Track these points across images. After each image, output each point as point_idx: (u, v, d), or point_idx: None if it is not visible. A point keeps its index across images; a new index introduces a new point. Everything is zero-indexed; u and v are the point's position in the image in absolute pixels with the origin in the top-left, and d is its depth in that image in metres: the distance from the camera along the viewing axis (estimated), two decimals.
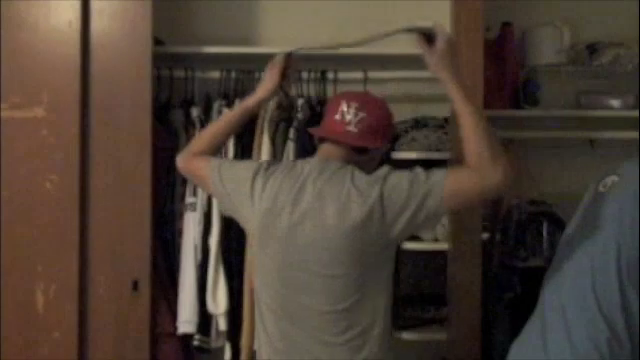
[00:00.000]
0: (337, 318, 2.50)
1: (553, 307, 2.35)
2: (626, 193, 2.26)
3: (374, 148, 2.68)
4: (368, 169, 2.61)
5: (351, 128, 2.62)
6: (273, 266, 2.58)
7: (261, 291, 2.64)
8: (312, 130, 2.79)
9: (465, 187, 2.43)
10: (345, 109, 2.64)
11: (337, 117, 2.65)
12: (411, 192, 2.44)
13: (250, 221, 2.65)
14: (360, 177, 2.53)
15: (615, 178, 2.36)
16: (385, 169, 2.55)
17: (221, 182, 2.70)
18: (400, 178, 2.49)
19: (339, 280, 2.49)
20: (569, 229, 2.50)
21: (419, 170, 2.51)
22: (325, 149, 2.67)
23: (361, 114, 2.63)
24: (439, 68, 2.63)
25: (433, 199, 2.42)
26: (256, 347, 2.78)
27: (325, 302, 2.51)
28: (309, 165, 2.62)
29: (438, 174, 2.46)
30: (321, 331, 2.52)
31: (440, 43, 2.62)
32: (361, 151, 2.64)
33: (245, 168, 2.70)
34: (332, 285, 2.50)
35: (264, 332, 2.63)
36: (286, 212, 2.54)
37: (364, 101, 2.69)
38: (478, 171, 2.41)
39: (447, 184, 2.42)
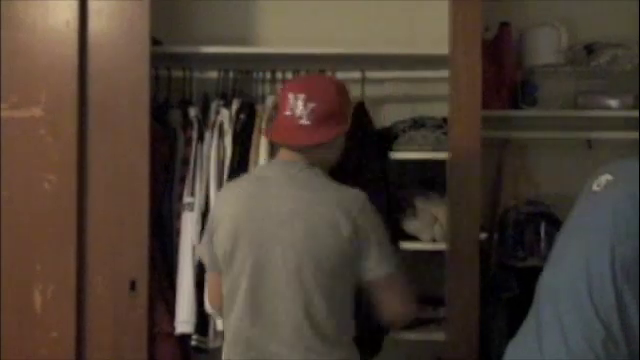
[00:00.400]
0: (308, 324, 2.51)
1: (548, 307, 2.35)
2: (620, 192, 2.26)
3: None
4: (333, 157, 2.66)
5: (303, 122, 2.56)
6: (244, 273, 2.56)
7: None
8: (267, 135, 2.79)
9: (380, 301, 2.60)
10: (293, 102, 2.58)
11: (287, 113, 2.59)
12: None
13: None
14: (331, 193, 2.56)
15: (609, 177, 2.35)
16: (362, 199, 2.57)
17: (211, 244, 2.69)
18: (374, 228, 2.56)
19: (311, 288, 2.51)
20: (564, 229, 2.51)
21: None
22: (284, 152, 2.66)
23: (310, 104, 2.56)
24: None
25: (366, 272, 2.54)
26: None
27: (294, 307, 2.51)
28: (272, 171, 2.65)
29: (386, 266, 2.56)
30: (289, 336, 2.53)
31: None
32: (320, 144, 2.61)
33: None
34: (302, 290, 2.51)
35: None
36: (258, 219, 2.55)
37: (311, 89, 2.62)
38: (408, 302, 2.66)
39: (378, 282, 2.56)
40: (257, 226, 2.53)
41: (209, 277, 2.83)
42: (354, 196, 2.56)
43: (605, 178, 2.36)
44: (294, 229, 2.48)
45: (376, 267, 2.53)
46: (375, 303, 2.60)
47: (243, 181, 2.78)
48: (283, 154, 2.65)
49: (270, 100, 3.60)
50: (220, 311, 2.75)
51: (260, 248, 2.52)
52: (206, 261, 2.78)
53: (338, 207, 2.49)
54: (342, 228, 2.47)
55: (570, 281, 2.29)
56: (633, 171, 2.32)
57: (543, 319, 2.35)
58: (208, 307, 3.41)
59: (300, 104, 2.57)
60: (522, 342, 2.42)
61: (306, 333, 2.48)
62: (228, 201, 2.66)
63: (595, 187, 2.38)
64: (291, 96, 2.60)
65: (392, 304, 2.60)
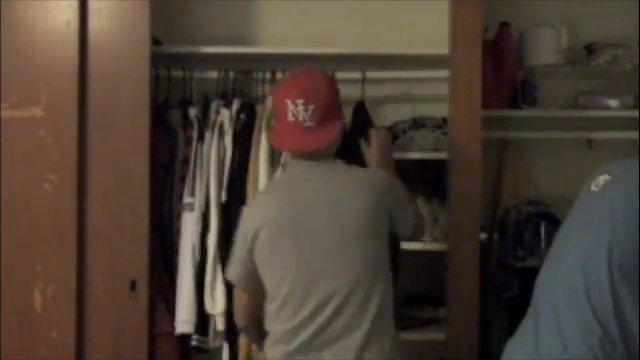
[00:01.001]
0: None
1: (546, 307, 2.35)
2: (618, 193, 2.26)
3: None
4: (335, 146, 2.78)
5: (308, 124, 2.67)
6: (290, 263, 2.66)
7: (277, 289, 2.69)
8: (275, 144, 2.90)
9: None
10: (293, 108, 2.68)
11: (290, 119, 2.68)
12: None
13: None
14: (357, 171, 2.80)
15: (607, 177, 2.35)
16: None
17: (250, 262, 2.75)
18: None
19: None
20: (562, 228, 2.51)
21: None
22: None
23: (310, 106, 2.67)
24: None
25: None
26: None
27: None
28: (297, 169, 2.78)
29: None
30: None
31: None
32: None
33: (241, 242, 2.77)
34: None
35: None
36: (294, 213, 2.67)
37: (306, 91, 2.70)
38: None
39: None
40: (299, 221, 2.65)
41: (237, 294, 2.88)
42: (377, 175, 2.79)
43: (603, 178, 2.36)
44: (337, 212, 2.63)
45: (404, 227, 2.83)
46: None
47: (272, 187, 3.00)
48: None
49: (270, 100, 3.60)
50: (247, 328, 2.91)
51: (305, 239, 2.65)
52: (235, 277, 2.82)
53: (369, 188, 2.69)
54: (374, 204, 2.67)
55: (568, 281, 2.30)
56: (631, 171, 2.32)
57: (541, 319, 2.35)
58: (208, 307, 3.44)
59: (301, 109, 2.66)
60: (520, 341, 2.42)
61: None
62: (262, 209, 2.75)
63: (593, 187, 2.38)
64: (289, 102, 2.68)
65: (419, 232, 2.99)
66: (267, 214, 2.68)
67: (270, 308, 2.70)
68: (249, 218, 2.75)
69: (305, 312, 2.61)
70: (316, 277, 2.60)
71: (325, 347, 2.60)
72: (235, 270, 2.79)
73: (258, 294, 2.75)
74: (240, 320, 2.90)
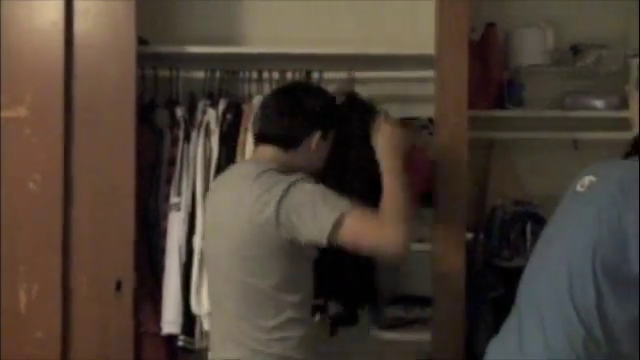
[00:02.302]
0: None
1: (529, 307, 2.36)
2: (604, 193, 2.27)
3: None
4: (306, 162, 2.74)
5: None
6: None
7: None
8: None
9: (360, 233, 2.53)
10: None
11: None
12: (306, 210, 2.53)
13: None
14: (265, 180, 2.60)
15: (593, 178, 2.36)
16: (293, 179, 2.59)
17: None
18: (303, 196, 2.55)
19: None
20: (547, 228, 2.52)
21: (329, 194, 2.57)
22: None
23: None
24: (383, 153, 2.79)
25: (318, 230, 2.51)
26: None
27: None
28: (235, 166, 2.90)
29: (342, 205, 2.52)
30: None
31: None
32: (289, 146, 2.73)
33: None
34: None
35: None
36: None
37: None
38: (381, 226, 2.53)
39: (346, 222, 2.50)
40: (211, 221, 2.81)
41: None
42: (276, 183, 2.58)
43: (589, 179, 2.37)
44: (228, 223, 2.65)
45: (318, 226, 2.51)
46: (356, 250, 2.59)
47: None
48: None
49: (257, 100, 3.60)
50: None
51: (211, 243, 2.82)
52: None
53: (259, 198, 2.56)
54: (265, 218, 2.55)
55: (552, 281, 2.30)
56: (617, 172, 2.33)
57: (524, 318, 2.36)
58: (194, 308, 3.48)
59: None
60: (503, 341, 2.43)
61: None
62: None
63: (579, 188, 2.39)
64: None
65: (368, 236, 2.54)
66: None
67: None
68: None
69: None
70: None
71: None
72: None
73: None
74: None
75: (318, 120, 2.76)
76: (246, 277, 2.60)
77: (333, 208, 2.50)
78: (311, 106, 2.75)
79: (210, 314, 3.11)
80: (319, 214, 2.50)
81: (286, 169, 2.66)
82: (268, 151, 2.73)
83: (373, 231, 2.53)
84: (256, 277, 2.59)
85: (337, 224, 2.48)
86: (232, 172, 2.89)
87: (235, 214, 2.61)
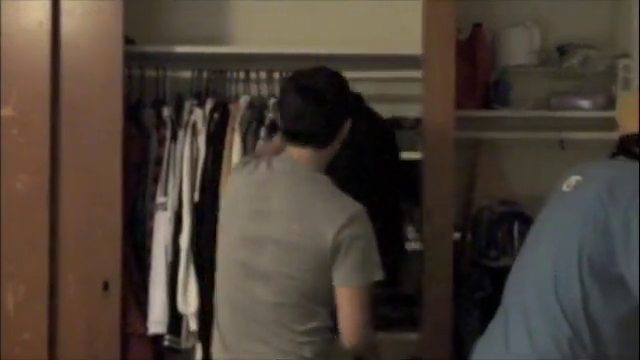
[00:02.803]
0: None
1: (516, 306, 2.37)
2: (590, 193, 2.28)
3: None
4: (332, 155, 2.66)
5: None
6: (230, 260, 2.64)
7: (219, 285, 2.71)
8: None
9: (354, 306, 2.54)
10: None
11: None
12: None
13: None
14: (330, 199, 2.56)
15: (579, 178, 2.37)
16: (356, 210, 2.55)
17: None
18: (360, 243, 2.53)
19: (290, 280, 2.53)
20: (533, 228, 2.53)
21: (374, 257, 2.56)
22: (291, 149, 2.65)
23: None
24: None
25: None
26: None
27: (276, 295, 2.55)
28: (279, 164, 2.63)
29: (375, 274, 2.55)
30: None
31: None
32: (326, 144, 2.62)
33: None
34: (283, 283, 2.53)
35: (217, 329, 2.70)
36: (247, 208, 2.60)
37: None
38: (364, 323, 2.56)
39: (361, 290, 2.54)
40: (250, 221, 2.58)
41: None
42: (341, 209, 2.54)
43: (575, 179, 2.38)
44: (283, 232, 2.52)
45: (342, 278, 2.52)
46: (334, 308, 2.58)
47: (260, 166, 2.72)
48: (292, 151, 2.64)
49: (244, 100, 3.60)
50: None
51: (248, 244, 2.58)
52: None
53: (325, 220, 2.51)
54: (324, 240, 2.49)
55: (538, 281, 2.31)
56: (602, 172, 2.34)
57: (510, 317, 2.37)
58: (181, 307, 3.42)
59: None
60: (490, 341, 2.44)
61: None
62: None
63: (565, 188, 2.40)
64: None
65: (354, 317, 2.55)
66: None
67: None
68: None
69: None
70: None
71: None
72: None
73: None
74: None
75: (346, 109, 2.65)
76: (291, 281, 2.53)
77: (369, 275, 2.54)
78: (338, 97, 2.61)
79: (205, 313, 3.07)
80: (355, 269, 2.52)
81: (319, 168, 2.61)
82: (305, 153, 2.59)
83: (359, 318, 2.54)
84: (300, 282, 2.54)
85: (357, 286, 2.53)
86: (277, 169, 2.64)
87: (291, 218, 2.53)
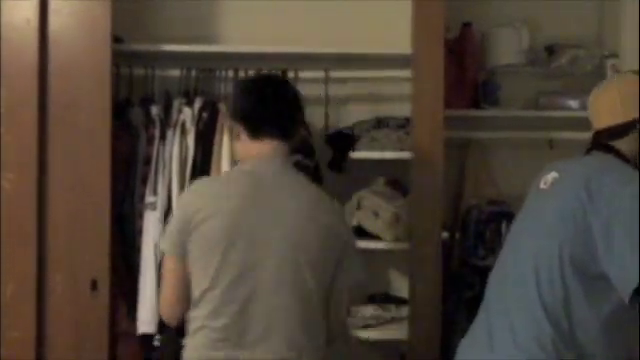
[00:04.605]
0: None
1: (498, 305, 2.38)
2: (566, 190, 2.29)
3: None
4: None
5: None
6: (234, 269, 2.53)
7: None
8: None
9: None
10: None
11: None
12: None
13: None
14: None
15: (556, 175, 2.39)
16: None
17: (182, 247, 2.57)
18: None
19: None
20: (513, 227, 2.54)
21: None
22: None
23: None
24: None
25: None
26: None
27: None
28: (262, 167, 2.61)
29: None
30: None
31: None
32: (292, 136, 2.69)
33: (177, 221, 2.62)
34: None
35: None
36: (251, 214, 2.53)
37: None
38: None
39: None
40: (253, 225, 2.51)
41: (170, 263, 2.62)
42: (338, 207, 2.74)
43: (552, 176, 2.40)
44: (293, 231, 2.53)
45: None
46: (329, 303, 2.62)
47: (233, 175, 2.79)
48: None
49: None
50: (179, 313, 2.64)
51: (255, 248, 2.51)
52: (167, 246, 2.61)
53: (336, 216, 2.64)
54: (340, 235, 2.59)
55: (519, 279, 2.32)
56: (579, 169, 2.35)
57: (493, 318, 2.37)
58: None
59: None
60: (473, 341, 2.45)
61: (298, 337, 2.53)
62: (219, 196, 2.59)
63: (542, 185, 2.42)
64: None
65: (340, 316, 2.68)
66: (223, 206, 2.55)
67: None
68: (200, 200, 2.60)
69: None
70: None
71: None
72: (167, 240, 2.64)
73: None
74: (173, 298, 2.64)
75: (301, 103, 2.72)
76: (309, 278, 2.53)
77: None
78: (293, 91, 2.73)
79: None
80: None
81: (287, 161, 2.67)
82: (278, 146, 2.61)
83: (346, 315, 2.75)
84: (316, 280, 2.55)
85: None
86: (262, 171, 2.62)
87: (300, 216, 2.55)
